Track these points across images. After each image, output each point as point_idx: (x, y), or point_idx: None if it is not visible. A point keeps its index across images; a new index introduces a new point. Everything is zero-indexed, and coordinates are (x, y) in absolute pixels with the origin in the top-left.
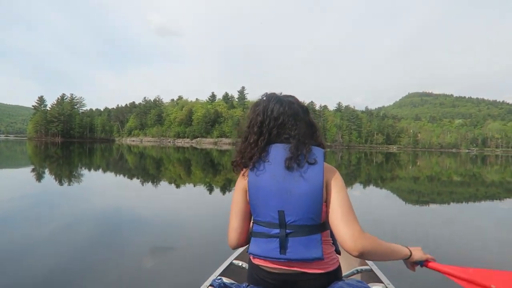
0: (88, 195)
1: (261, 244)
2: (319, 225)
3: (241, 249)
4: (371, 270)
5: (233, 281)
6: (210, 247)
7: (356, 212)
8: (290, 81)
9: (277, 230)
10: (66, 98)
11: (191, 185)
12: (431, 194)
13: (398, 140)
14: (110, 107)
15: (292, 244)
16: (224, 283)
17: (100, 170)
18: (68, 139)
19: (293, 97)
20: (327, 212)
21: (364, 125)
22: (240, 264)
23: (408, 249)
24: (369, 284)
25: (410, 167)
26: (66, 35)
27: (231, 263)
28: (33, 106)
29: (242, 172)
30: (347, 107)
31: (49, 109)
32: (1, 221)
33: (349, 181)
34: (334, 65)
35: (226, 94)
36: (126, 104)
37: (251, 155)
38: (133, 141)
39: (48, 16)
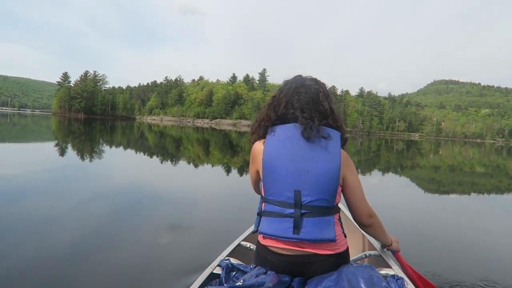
0: (108, 171)
1: (273, 224)
2: (333, 207)
3: (249, 231)
4: (379, 255)
5: (240, 262)
6: (220, 227)
7: (372, 199)
8: (312, 65)
9: (292, 210)
10: (89, 75)
11: (209, 165)
12: (451, 184)
13: (421, 128)
14: (132, 85)
15: (306, 224)
16: (231, 264)
17: (121, 147)
18: (90, 115)
19: (314, 80)
20: (340, 195)
21: (386, 112)
22: (248, 246)
23: (391, 239)
24: (377, 269)
25: (431, 156)
26: (90, 11)
27: (239, 244)
28: (57, 82)
29: (255, 146)
30: (369, 92)
31: (72, 85)
32: (25, 193)
33: (367, 167)
34: (357, 49)
35: (247, 75)
36: (148, 83)
37: (266, 126)
38: (154, 119)
39: None
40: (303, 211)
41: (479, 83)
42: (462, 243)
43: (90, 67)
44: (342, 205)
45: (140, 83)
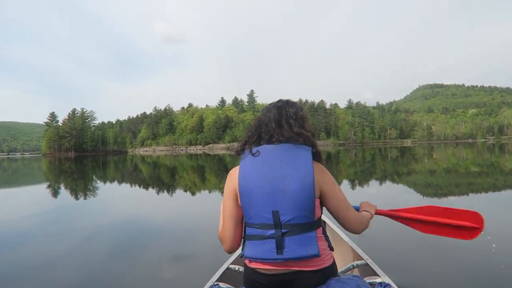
0: (102, 208)
1: (257, 247)
2: (313, 222)
3: (236, 254)
4: (366, 264)
5: (230, 286)
6: (210, 252)
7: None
8: (299, 81)
9: (272, 231)
10: (77, 113)
11: (206, 191)
12: (448, 186)
13: (412, 134)
14: (121, 119)
15: (289, 243)
16: None
17: (115, 182)
18: (81, 153)
19: (287, 102)
20: (320, 208)
21: (377, 121)
22: (236, 269)
23: (370, 213)
24: (365, 278)
25: (426, 160)
26: (74, 49)
27: (227, 268)
28: (45, 122)
29: (231, 173)
30: (358, 103)
31: (60, 124)
32: (22, 236)
33: (364, 178)
34: (342, 61)
35: (236, 98)
36: (138, 115)
37: (243, 149)
38: (146, 151)
39: (55, 30)
40: (283, 230)
41: (463, 84)
42: (464, 245)
43: (78, 104)
44: (326, 218)
45: (129, 116)
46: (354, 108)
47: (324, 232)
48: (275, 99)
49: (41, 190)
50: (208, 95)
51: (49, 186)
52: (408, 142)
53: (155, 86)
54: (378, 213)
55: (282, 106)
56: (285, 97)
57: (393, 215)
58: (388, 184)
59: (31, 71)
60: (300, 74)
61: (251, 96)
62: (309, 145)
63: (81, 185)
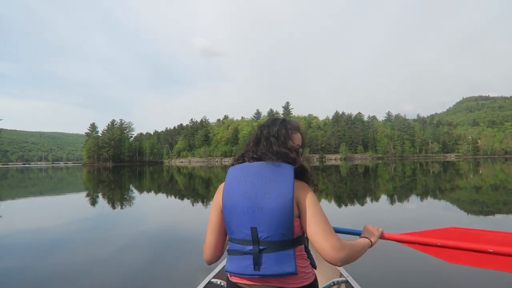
0: (134, 217)
1: (236, 262)
2: (291, 240)
3: (219, 268)
4: (347, 282)
5: None
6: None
7: (410, 226)
8: (335, 93)
9: (251, 247)
10: (116, 124)
11: None
12: (495, 204)
13: (456, 148)
14: (159, 130)
15: (266, 260)
16: None
17: (152, 192)
18: (118, 163)
19: (273, 121)
20: (301, 227)
21: (417, 134)
22: (218, 283)
23: (369, 240)
24: None
25: (471, 176)
26: (115, 64)
27: (209, 282)
28: (85, 133)
29: (219, 187)
30: (397, 116)
31: (100, 135)
32: (62, 243)
33: (404, 193)
34: (380, 73)
35: (271, 110)
36: (174, 127)
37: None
38: (182, 162)
39: (97, 46)
40: (261, 247)
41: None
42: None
43: (118, 116)
44: None
45: (167, 127)
46: (393, 121)
47: (307, 250)
48: (311, 111)
49: (81, 198)
50: (243, 107)
51: (88, 195)
52: (451, 157)
53: (192, 98)
54: (386, 237)
55: (266, 125)
56: (320, 109)
57: (405, 240)
58: (429, 200)
59: (76, 84)
60: (337, 86)
61: (286, 108)
62: (291, 163)
63: (117, 195)
